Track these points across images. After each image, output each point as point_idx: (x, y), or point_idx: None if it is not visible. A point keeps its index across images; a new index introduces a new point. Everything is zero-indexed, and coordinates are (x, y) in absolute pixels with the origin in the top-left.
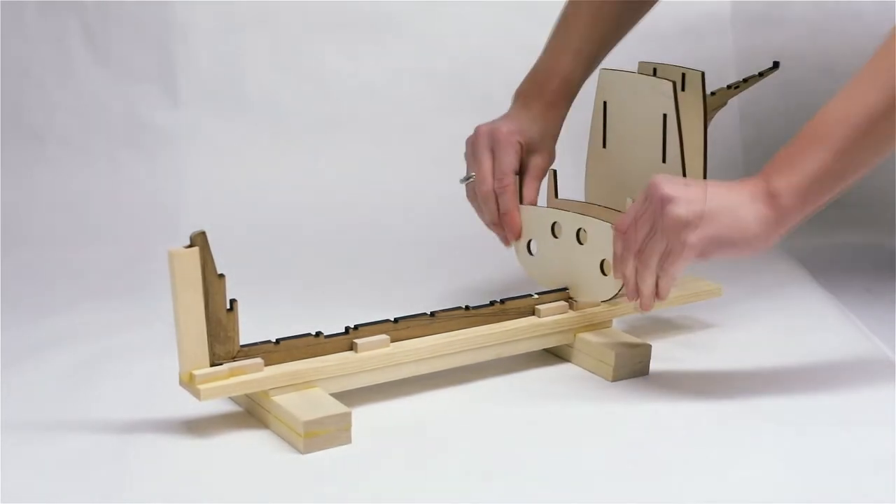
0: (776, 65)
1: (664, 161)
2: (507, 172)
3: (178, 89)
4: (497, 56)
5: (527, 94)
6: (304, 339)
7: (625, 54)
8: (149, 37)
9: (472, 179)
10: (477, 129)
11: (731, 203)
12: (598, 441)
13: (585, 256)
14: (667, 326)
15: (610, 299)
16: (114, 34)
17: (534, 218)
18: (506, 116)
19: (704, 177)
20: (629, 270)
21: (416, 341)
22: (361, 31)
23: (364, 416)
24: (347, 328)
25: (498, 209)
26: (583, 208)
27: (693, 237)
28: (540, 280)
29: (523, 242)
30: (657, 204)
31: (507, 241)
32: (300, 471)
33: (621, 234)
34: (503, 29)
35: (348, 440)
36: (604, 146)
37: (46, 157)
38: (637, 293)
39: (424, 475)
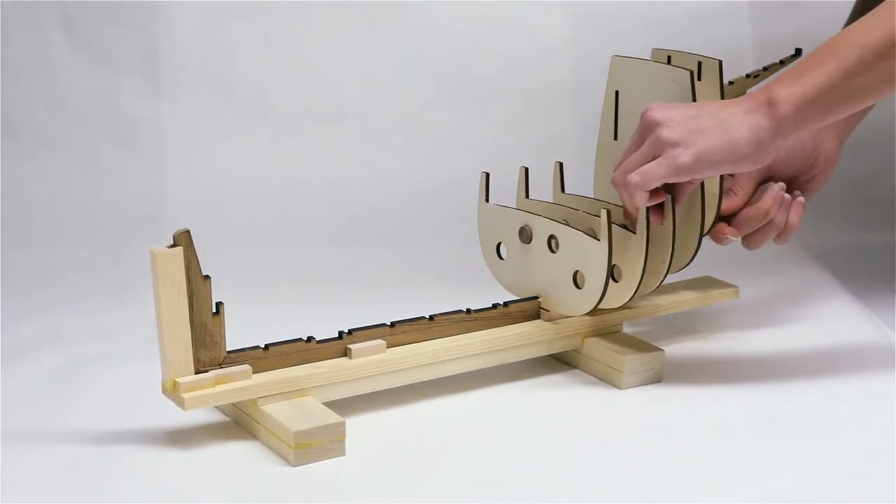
0: (798, 52)
1: None
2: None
3: (161, 80)
4: (496, 46)
5: None
6: (295, 344)
7: (637, 41)
8: (131, 24)
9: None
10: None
11: (722, 117)
12: (608, 453)
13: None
14: (681, 331)
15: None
16: (94, 21)
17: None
18: None
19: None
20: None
21: (414, 347)
22: (355, 19)
23: (359, 427)
24: (341, 333)
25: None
26: (590, 205)
27: (683, 155)
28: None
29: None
30: (648, 130)
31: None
32: (291, 484)
33: (619, 177)
34: (502, 18)
35: (342, 452)
36: (615, 138)
37: (22, 152)
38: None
39: (423, 489)
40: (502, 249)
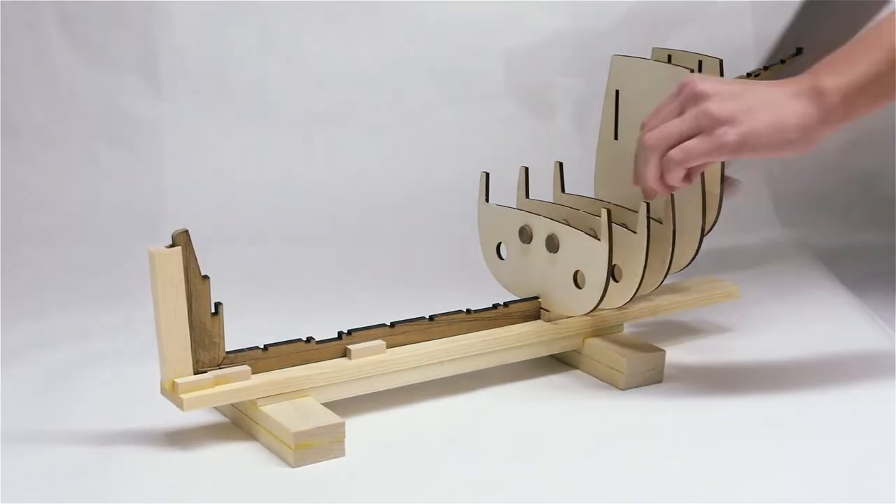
0: (799, 51)
1: None
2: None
3: (161, 80)
4: (497, 45)
5: None
6: (295, 344)
7: (637, 40)
8: (130, 23)
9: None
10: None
11: (770, 98)
12: (608, 454)
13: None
14: (682, 331)
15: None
16: (92, 20)
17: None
18: None
19: (722, 174)
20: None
21: (414, 347)
22: (356, 16)
23: (358, 427)
24: (341, 333)
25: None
26: (591, 205)
27: (730, 134)
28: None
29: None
30: (690, 100)
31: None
32: (290, 485)
33: (656, 142)
34: (504, 14)
35: (342, 452)
36: (615, 138)
37: (20, 152)
38: (644, 178)
39: (423, 490)
40: (502, 249)
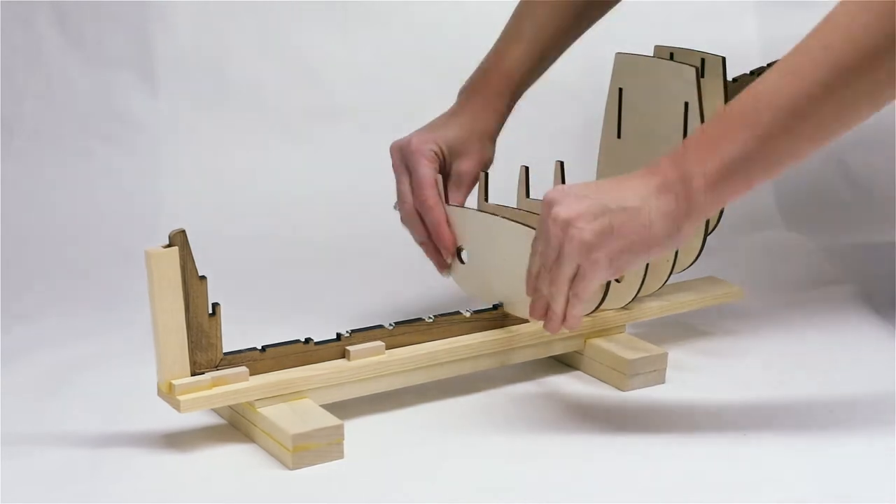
0: None
1: None
2: (423, 186)
3: (156, 76)
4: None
5: (468, 89)
6: (293, 346)
7: (639, 38)
8: (125, 19)
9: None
10: (393, 146)
11: (633, 205)
12: (609, 456)
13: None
14: (684, 332)
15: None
16: (87, 16)
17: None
18: (429, 124)
19: None
20: (544, 289)
21: (414, 348)
22: (354, 13)
23: (357, 429)
24: (339, 334)
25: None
26: None
27: (602, 259)
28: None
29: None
30: (558, 229)
31: (442, 263)
32: (288, 488)
33: (538, 256)
34: (503, 12)
35: (340, 455)
36: (618, 137)
37: (13, 150)
38: (544, 313)
39: (422, 493)
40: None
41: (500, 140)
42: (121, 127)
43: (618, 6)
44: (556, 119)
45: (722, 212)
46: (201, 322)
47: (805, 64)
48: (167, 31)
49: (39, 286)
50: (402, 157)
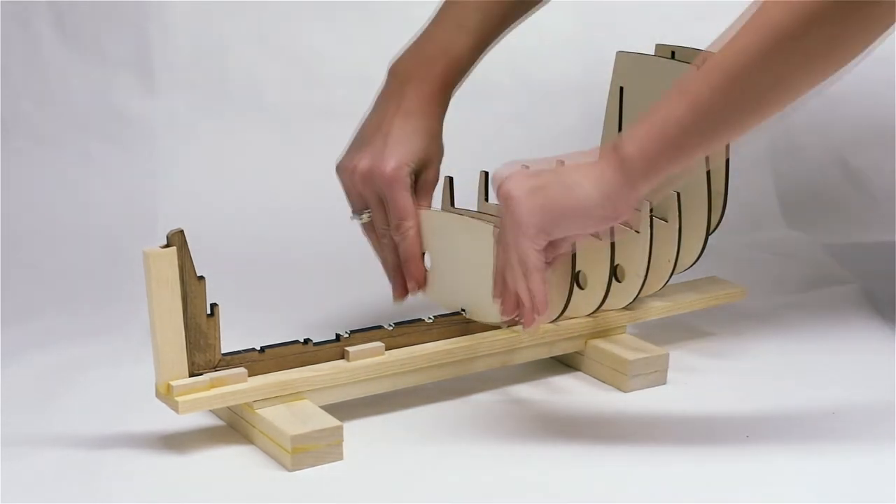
0: None
1: None
2: (403, 217)
3: (154, 75)
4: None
5: (408, 74)
6: (292, 346)
7: (639, 36)
8: (123, 18)
9: (364, 219)
10: (353, 169)
11: (572, 180)
12: (610, 457)
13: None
14: (686, 333)
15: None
16: (85, 15)
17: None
18: (384, 136)
19: (727, 168)
20: (509, 278)
21: (414, 349)
22: (354, 11)
23: (357, 431)
24: (339, 335)
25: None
26: None
27: (524, 214)
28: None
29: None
30: (503, 203)
31: (401, 292)
32: (287, 490)
33: (497, 244)
34: None
35: (340, 456)
36: None
37: (11, 150)
38: (516, 306)
39: (422, 494)
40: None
41: (500, 140)
42: (119, 126)
43: (618, 6)
44: (557, 118)
45: (723, 211)
46: (200, 323)
47: (742, 32)
48: (165, 30)
49: (37, 286)
50: (374, 185)
